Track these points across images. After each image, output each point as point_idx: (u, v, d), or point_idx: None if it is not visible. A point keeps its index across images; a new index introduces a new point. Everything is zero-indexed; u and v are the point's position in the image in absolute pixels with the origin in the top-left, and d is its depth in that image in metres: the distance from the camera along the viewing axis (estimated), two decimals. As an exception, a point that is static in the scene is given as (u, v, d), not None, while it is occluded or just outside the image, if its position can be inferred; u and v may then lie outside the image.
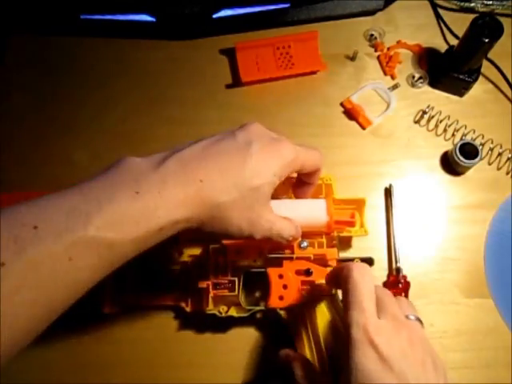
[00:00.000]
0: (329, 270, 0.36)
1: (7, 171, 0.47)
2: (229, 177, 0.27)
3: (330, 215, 0.36)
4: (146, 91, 0.51)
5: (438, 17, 0.54)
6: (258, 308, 0.38)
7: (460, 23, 0.51)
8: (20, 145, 0.49)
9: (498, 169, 0.47)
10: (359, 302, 0.27)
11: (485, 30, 0.43)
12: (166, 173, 0.26)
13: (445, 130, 0.48)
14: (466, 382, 0.39)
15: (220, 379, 0.39)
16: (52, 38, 0.54)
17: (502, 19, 0.44)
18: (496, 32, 0.43)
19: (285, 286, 0.36)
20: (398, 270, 0.42)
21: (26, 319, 0.22)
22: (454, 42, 0.51)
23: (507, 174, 0.46)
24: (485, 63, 0.49)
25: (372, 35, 0.53)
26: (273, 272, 0.36)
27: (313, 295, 0.36)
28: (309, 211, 0.37)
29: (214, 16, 0.51)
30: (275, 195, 0.39)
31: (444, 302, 0.42)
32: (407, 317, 0.28)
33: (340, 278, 0.29)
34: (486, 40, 0.43)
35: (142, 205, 0.25)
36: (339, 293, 0.36)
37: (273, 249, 0.38)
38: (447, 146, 0.48)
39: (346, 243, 0.43)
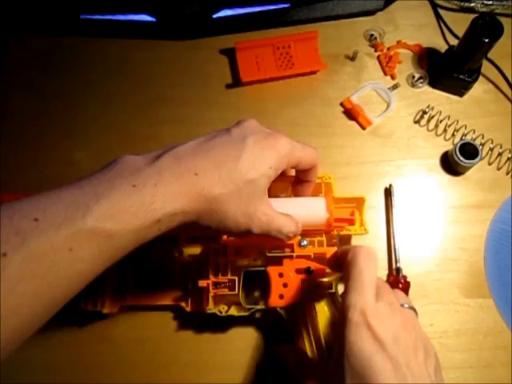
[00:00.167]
0: (329, 270, 0.36)
1: (7, 171, 0.47)
2: (224, 170, 0.28)
3: (329, 212, 0.36)
4: (146, 91, 0.51)
5: (438, 17, 0.54)
6: (258, 307, 0.37)
7: (460, 23, 0.51)
8: (20, 145, 0.49)
9: (498, 169, 0.47)
10: (361, 287, 0.27)
11: (485, 30, 0.43)
12: (162, 167, 0.27)
13: (445, 130, 0.48)
14: (466, 381, 0.39)
15: (220, 379, 0.39)
16: (52, 38, 0.54)
17: (502, 19, 0.44)
18: (496, 32, 0.43)
19: (285, 285, 0.36)
20: (398, 269, 0.42)
21: (28, 310, 0.23)
22: (454, 41, 0.51)
23: (507, 173, 0.46)
24: (485, 63, 0.49)
25: (372, 35, 0.53)
26: (273, 270, 0.36)
27: (313, 293, 0.36)
28: (308, 209, 0.36)
29: (214, 16, 0.51)
30: (275, 194, 0.39)
31: (444, 302, 0.42)
32: (402, 305, 0.29)
33: (344, 261, 0.29)
34: (486, 40, 0.43)
35: (138, 197, 0.25)
36: (339, 291, 0.36)
37: (273, 248, 0.38)
38: (447, 146, 0.48)
39: (345, 243, 0.43)
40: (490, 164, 0.47)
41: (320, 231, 0.38)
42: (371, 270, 0.28)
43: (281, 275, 0.36)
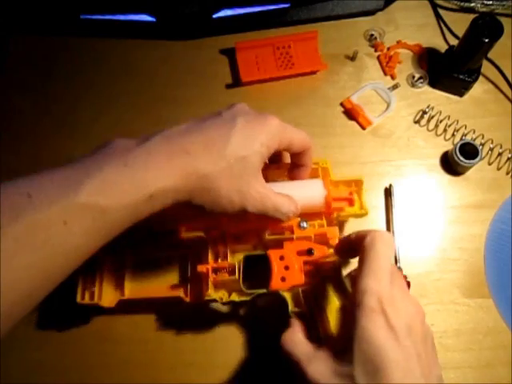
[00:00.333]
0: (331, 250, 0.36)
1: (8, 171, 0.47)
2: (214, 148, 0.28)
3: (327, 190, 0.36)
4: (146, 91, 0.51)
5: (438, 17, 0.54)
6: (260, 291, 0.36)
7: (460, 23, 0.51)
8: (20, 145, 0.49)
9: (498, 169, 0.47)
10: (378, 272, 0.27)
11: (485, 30, 0.43)
12: (152, 147, 0.28)
13: (445, 130, 0.48)
14: (466, 381, 0.39)
15: (219, 379, 0.39)
16: (52, 38, 0.54)
17: (502, 19, 0.44)
18: (496, 32, 0.43)
19: (286, 268, 0.35)
20: (398, 269, 0.42)
21: (26, 283, 0.23)
22: (454, 41, 0.51)
23: (507, 173, 0.46)
24: (485, 63, 0.49)
25: (372, 35, 0.53)
26: (273, 254, 0.35)
27: (316, 275, 0.35)
28: (306, 190, 0.36)
29: (214, 16, 0.51)
30: (272, 180, 0.39)
31: (444, 302, 0.42)
32: None
33: (360, 245, 0.29)
34: (486, 40, 0.43)
35: (130, 174, 0.26)
36: (343, 272, 0.36)
37: (272, 231, 0.37)
38: (447, 146, 0.48)
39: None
40: (489, 164, 0.47)
41: (320, 214, 0.38)
42: (389, 255, 0.28)
43: (282, 258, 0.35)
